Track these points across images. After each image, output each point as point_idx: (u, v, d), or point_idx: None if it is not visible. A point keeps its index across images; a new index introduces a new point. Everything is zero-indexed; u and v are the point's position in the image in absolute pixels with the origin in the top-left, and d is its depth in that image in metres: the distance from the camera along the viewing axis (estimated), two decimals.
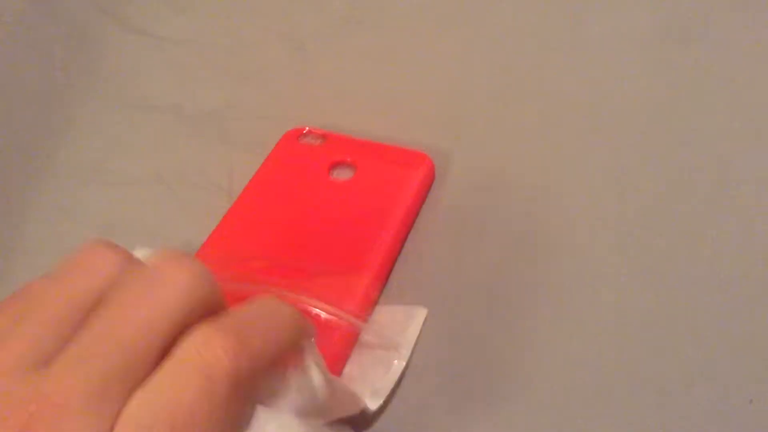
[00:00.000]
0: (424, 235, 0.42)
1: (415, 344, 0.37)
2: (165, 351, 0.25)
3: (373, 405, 0.34)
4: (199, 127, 0.49)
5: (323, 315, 0.35)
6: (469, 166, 0.45)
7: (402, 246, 0.41)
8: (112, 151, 0.48)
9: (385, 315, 0.38)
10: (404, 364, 0.36)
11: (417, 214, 0.43)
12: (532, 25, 0.52)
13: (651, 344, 0.36)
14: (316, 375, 0.29)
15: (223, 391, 0.24)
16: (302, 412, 0.28)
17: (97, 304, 0.26)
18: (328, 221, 0.42)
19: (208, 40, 0.53)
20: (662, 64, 0.48)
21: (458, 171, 0.45)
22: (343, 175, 0.44)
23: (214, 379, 0.24)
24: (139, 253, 0.29)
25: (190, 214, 0.45)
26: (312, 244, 0.41)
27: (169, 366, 0.25)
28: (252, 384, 0.26)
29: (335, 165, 0.44)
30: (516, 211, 0.42)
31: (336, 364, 0.36)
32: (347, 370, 0.36)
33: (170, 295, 0.26)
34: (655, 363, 0.36)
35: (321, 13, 0.55)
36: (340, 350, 0.36)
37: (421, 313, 0.38)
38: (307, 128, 0.46)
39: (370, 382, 0.35)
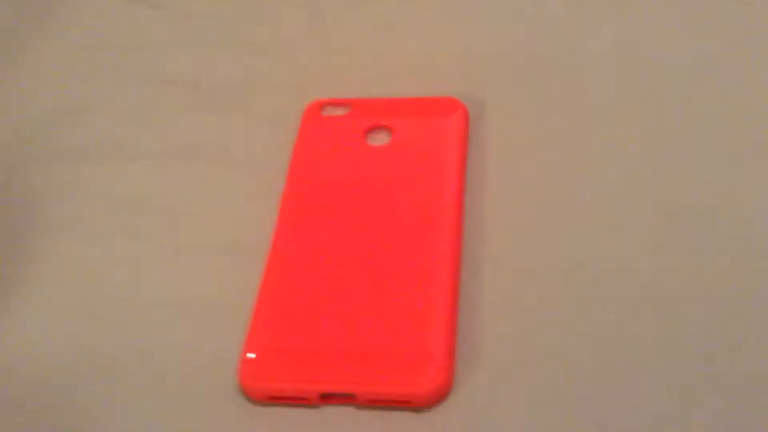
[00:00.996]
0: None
1: None
2: None
3: None
4: (218, 100, 0.47)
5: None
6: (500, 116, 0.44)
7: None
8: (130, 126, 0.46)
9: None
10: None
11: (466, 161, 0.41)
12: None
13: None
14: None
15: None
16: None
17: None
18: (384, 195, 0.40)
19: (224, 12, 0.52)
20: (707, 19, 0.47)
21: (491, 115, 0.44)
22: (379, 140, 0.43)
23: None
24: None
25: (213, 190, 0.43)
26: (380, 225, 0.39)
27: None
28: None
29: (369, 131, 0.43)
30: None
31: None
32: None
33: None
34: None
35: None
36: None
37: None
38: (327, 99, 0.45)
39: None
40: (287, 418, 0.35)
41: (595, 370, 0.35)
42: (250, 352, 0.36)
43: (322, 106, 0.44)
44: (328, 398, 0.35)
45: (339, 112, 0.44)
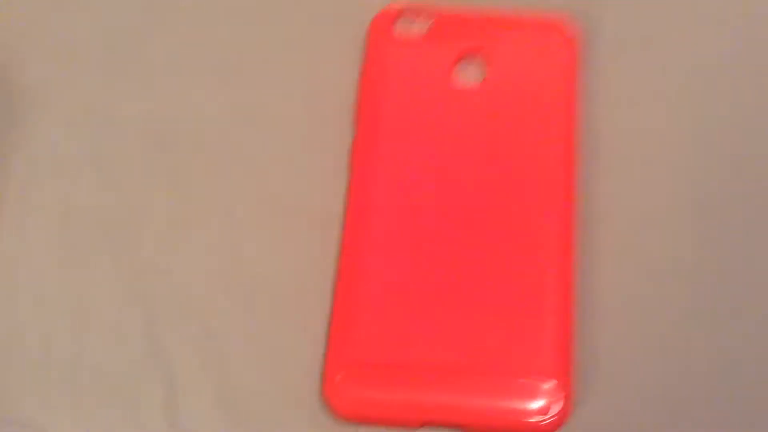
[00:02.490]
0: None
1: None
2: None
3: None
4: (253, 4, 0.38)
5: None
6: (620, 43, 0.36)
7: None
8: (145, 27, 0.37)
9: None
10: None
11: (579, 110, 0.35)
12: None
13: None
14: None
15: None
16: None
17: None
18: (481, 157, 0.33)
19: None
20: None
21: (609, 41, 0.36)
22: (470, 74, 0.35)
23: None
24: None
25: (257, 125, 0.36)
26: (477, 198, 0.33)
27: None
28: None
29: (458, 60, 0.35)
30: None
31: None
32: None
33: None
34: None
35: None
36: None
37: None
38: (401, 5, 0.36)
39: None
40: None
41: (729, 384, 0.31)
42: (336, 362, 0.31)
43: (394, 18, 0.36)
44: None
45: (419, 27, 0.36)
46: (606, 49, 0.36)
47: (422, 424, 0.30)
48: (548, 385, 0.30)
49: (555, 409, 0.30)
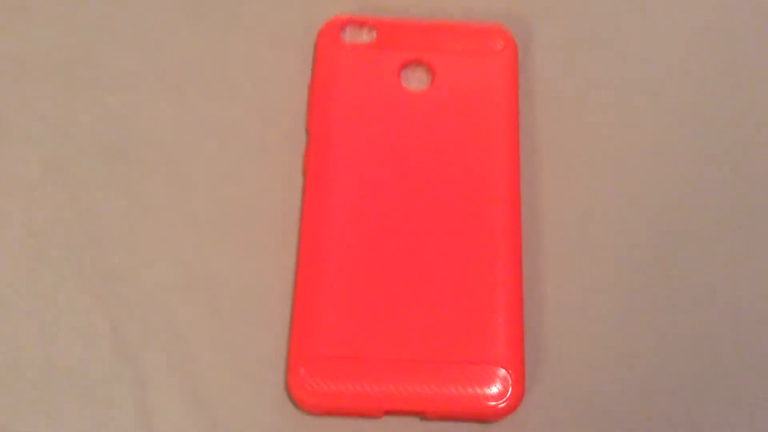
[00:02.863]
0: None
1: None
2: None
3: None
4: (206, 10, 0.39)
5: None
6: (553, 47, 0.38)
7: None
8: (98, 41, 0.38)
9: None
10: None
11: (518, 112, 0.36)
12: None
13: None
14: None
15: None
16: None
17: None
18: (429, 157, 0.35)
19: None
20: None
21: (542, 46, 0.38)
22: (416, 80, 0.36)
23: None
24: None
25: (212, 134, 0.36)
26: (428, 197, 0.34)
27: None
28: None
29: (404, 68, 0.36)
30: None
31: None
32: None
33: None
34: None
35: None
36: None
37: None
38: (348, 16, 0.37)
39: None
40: (346, 429, 0.32)
41: (677, 372, 0.33)
42: (298, 357, 0.32)
43: (342, 26, 0.37)
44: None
45: (364, 37, 0.37)
46: (542, 53, 0.38)
47: (385, 413, 0.32)
48: (501, 372, 0.32)
49: (508, 394, 0.32)
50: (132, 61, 0.37)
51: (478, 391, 0.32)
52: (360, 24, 0.37)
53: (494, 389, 0.32)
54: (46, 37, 0.38)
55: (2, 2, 0.38)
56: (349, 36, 0.37)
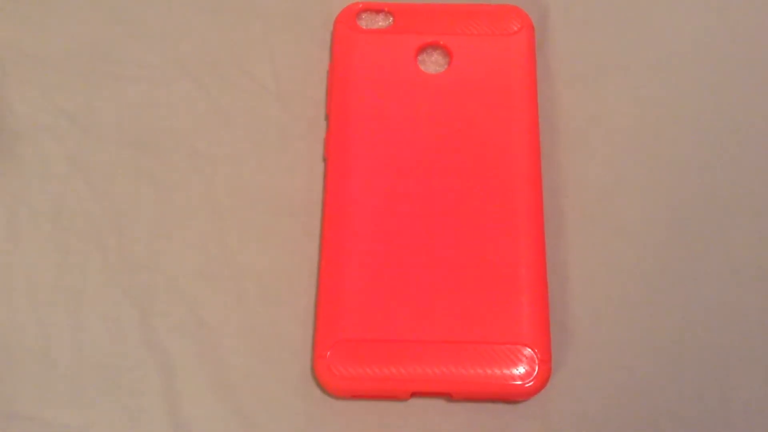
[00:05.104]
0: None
1: None
2: None
3: None
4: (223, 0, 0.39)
5: None
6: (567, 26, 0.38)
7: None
8: (119, 34, 0.38)
9: None
10: None
11: (536, 93, 0.36)
12: None
13: None
14: None
15: None
16: None
17: None
18: (449, 139, 0.35)
19: None
20: None
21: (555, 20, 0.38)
22: (434, 63, 0.36)
23: None
24: None
25: (232, 123, 0.37)
26: (449, 178, 0.34)
27: None
28: None
29: (420, 51, 0.36)
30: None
31: None
32: None
33: None
34: None
35: None
36: None
37: None
38: (364, 2, 0.37)
39: None
40: (372, 411, 0.32)
41: (705, 348, 0.33)
42: (324, 342, 0.32)
43: (358, 12, 0.37)
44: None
45: (380, 22, 0.37)
46: (558, 33, 0.38)
47: (411, 395, 0.32)
48: (527, 351, 0.32)
49: (535, 373, 0.31)
50: (153, 54, 0.38)
51: (505, 371, 0.32)
52: (376, 10, 0.37)
53: (521, 369, 0.31)
54: (67, 31, 0.38)
55: None
56: (366, 22, 0.37)
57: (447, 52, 0.36)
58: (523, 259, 0.33)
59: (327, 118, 0.36)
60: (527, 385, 0.31)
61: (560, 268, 0.34)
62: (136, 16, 0.38)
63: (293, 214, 0.35)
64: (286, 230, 0.35)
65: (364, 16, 0.37)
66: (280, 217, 0.35)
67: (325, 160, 0.35)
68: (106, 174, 0.36)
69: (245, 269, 0.34)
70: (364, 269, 0.33)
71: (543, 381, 0.32)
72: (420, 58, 0.36)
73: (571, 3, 0.39)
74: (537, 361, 0.32)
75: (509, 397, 0.32)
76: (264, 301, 0.34)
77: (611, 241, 0.35)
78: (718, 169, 0.36)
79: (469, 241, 0.33)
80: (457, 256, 0.33)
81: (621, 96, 0.37)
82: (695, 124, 0.37)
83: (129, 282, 0.34)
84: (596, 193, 0.35)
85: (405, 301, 0.33)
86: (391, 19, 0.37)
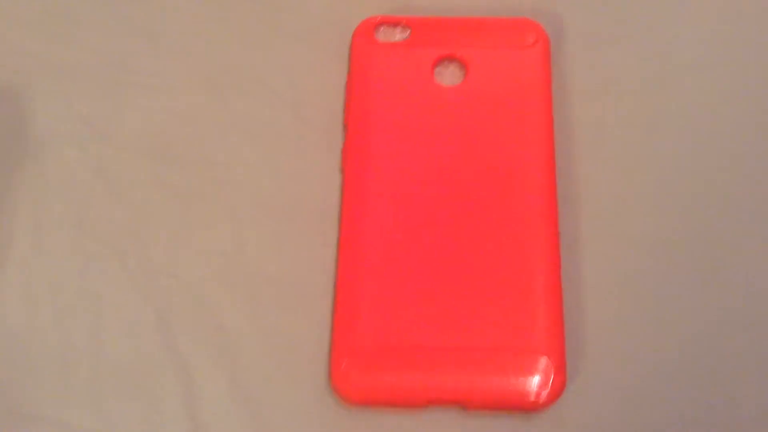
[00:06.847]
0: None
1: None
2: None
3: None
4: (243, 15, 0.40)
5: None
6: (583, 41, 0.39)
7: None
8: (141, 47, 0.39)
9: None
10: None
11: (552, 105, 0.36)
12: None
13: None
14: None
15: None
16: None
17: None
18: (465, 151, 0.35)
19: None
20: None
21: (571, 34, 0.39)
22: (449, 76, 0.37)
23: None
24: None
25: (251, 133, 0.37)
26: (465, 189, 0.35)
27: None
28: None
29: (437, 64, 0.37)
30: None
31: None
32: None
33: None
34: None
35: None
36: None
37: None
38: (382, 17, 0.38)
39: None
40: (387, 420, 0.32)
41: (720, 358, 0.33)
42: (341, 350, 0.32)
43: (376, 25, 0.38)
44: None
45: (397, 36, 0.38)
46: (574, 46, 0.38)
47: (427, 404, 0.32)
48: (542, 361, 0.32)
49: (550, 381, 0.32)
50: (174, 66, 0.38)
51: (521, 379, 0.32)
52: (393, 23, 0.38)
53: (535, 380, 0.32)
54: (91, 43, 0.39)
55: (48, 9, 0.39)
56: (383, 35, 0.38)
57: (463, 65, 0.37)
58: (538, 269, 0.33)
59: (344, 129, 0.37)
60: (543, 393, 0.32)
61: (575, 278, 0.34)
62: (158, 29, 0.39)
63: (310, 222, 0.35)
64: (304, 239, 0.35)
65: (382, 29, 0.38)
66: (297, 226, 0.35)
67: (342, 170, 0.36)
68: (128, 182, 0.36)
69: (263, 276, 0.35)
70: (380, 279, 0.33)
71: (558, 390, 0.32)
72: (436, 70, 0.37)
73: (587, 16, 0.39)
74: (551, 372, 0.32)
75: (525, 406, 0.32)
76: (281, 307, 0.34)
77: (625, 251, 0.35)
78: (735, 181, 0.36)
79: (485, 250, 0.34)
80: (472, 265, 0.33)
81: (635, 109, 0.37)
82: (711, 137, 0.37)
83: (149, 288, 0.34)
84: (611, 204, 0.36)
85: (421, 310, 0.33)
86: (409, 32, 0.38)
